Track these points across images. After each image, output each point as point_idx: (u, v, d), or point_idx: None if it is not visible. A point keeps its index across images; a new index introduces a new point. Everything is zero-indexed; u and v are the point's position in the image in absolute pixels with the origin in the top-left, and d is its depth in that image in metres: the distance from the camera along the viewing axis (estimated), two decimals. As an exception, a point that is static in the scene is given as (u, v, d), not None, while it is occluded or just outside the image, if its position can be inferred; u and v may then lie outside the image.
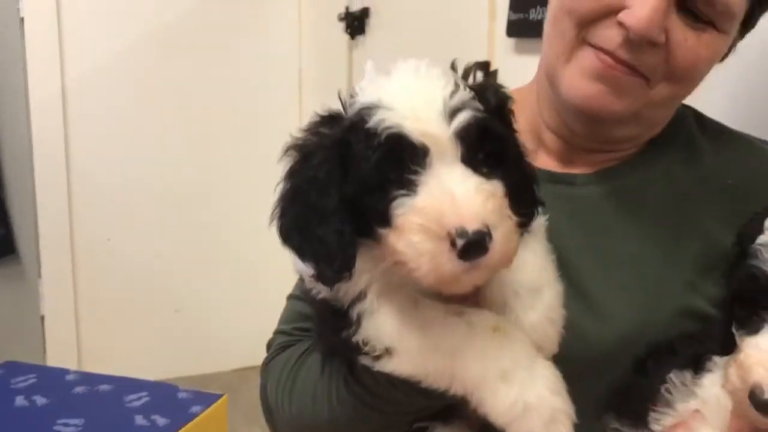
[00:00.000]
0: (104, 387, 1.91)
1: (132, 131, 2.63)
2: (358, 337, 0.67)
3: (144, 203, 2.69)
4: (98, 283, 2.67)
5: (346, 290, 0.67)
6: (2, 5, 2.47)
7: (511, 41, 1.58)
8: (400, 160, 0.59)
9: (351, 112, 0.63)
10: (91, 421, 1.72)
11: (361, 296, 0.66)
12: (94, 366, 2.68)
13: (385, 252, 0.62)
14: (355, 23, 2.34)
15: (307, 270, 0.66)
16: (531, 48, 1.47)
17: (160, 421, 1.73)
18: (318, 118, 0.65)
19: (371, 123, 0.60)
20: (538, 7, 1.43)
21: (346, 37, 2.42)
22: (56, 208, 2.58)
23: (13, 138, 2.57)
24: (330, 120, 0.64)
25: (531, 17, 1.45)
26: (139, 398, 1.84)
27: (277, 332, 0.94)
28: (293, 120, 2.84)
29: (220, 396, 1.89)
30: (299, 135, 0.65)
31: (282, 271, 3.00)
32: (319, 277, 0.65)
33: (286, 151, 0.65)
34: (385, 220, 0.60)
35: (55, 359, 2.62)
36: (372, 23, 2.31)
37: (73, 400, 1.84)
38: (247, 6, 2.73)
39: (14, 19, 2.49)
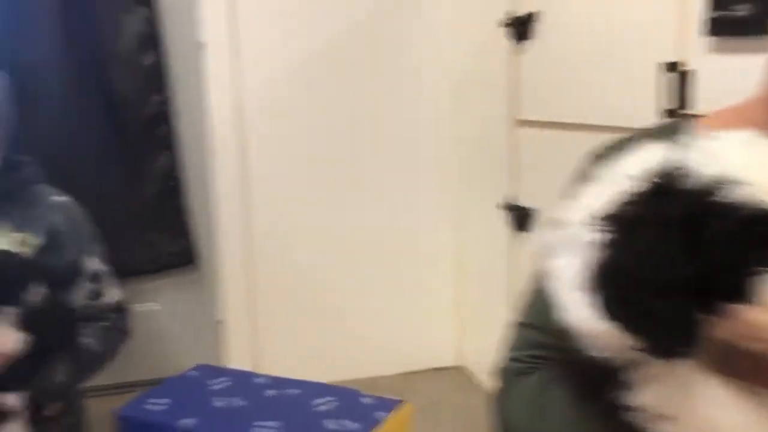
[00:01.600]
0: (292, 391, 2.00)
1: (305, 143, 2.75)
2: (630, 401, 0.66)
3: (317, 209, 2.80)
4: (273, 288, 2.81)
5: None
6: (184, 33, 2.67)
7: (710, 40, 1.51)
8: (762, 236, 0.57)
9: (692, 184, 0.61)
10: (287, 425, 1.80)
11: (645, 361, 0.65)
12: (269, 369, 2.82)
13: (730, 328, 0.61)
14: (521, 28, 2.32)
15: (595, 327, 0.65)
16: (736, 47, 1.40)
17: (351, 426, 1.79)
18: (642, 188, 0.63)
19: (728, 198, 0.59)
20: (745, 3, 1.36)
21: (509, 42, 2.41)
22: (234, 217, 2.73)
23: (193, 153, 2.77)
24: (661, 191, 0.63)
25: (737, 14, 1.38)
26: (327, 402, 1.91)
27: (511, 359, 0.95)
28: (449, 128, 2.87)
29: (398, 401, 1.93)
30: (621, 205, 0.63)
31: (444, 278, 3.01)
32: (652, 350, 0.62)
33: (603, 220, 0.63)
34: (739, 295, 0.59)
35: (232, 363, 2.79)
36: (539, 28, 2.28)
37: (266, 403, 1.94)
38: (405, 13, 2.78)
39: (194, 44, 2.68)
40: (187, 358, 2.82)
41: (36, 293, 1.56)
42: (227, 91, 2.66)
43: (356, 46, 2.74)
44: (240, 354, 2.80)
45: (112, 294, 1.87)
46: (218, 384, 2.06)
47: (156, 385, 2.43)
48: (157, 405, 1.93)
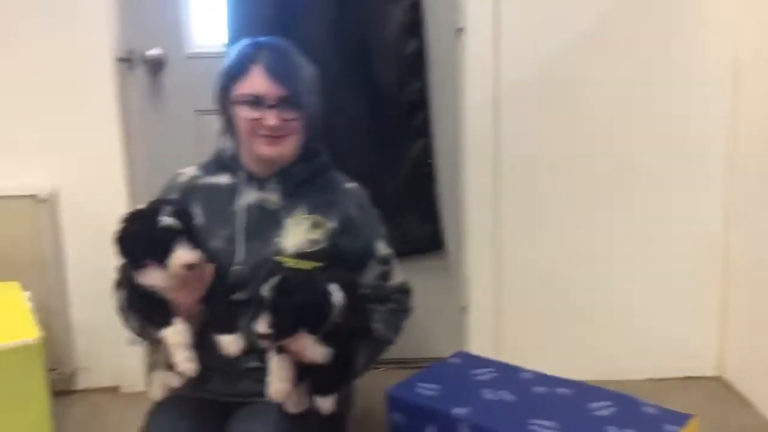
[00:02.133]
0: (563, 390, 1.95)
1: (560, 132, 2.66)
2: None
3: (569, 201, 2.71)
4: (520, 278, 2.76)
5: None
6: (443, 19, 2.67)
7: None
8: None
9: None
10: (566, 427, 1.75)
11: None
12: (509, 358, 2.78)
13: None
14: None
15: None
16: None
17: (638, 436, 1.70)
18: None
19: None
20: None
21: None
22: (482, 205, 2.71)
23: (446, 140, 2.78)
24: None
25: None
26: (605, 407, 1.83)
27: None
28: (725, 114, 2.62)
29: (688, 416, 1.79)
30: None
31: (709, 278, 2.79)
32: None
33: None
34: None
35: (473, 350, 2.79)
36: None
37: (537, 400, 1.89)
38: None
39: (453, 31, 2.67)
40: (431, 341, 2.87)
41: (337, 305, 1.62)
42: (484, 78, 2.62)
43: (625, 28, 2.58)
44: (482, 341, 2.79)
45: (398, 275, 1.93)
46: (483, 374, 2.05)
47: (398, 365, 2.51)
48: (427, 389, 1.96)
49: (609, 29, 2.58)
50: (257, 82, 1.78)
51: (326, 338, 1.59)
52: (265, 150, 1.83)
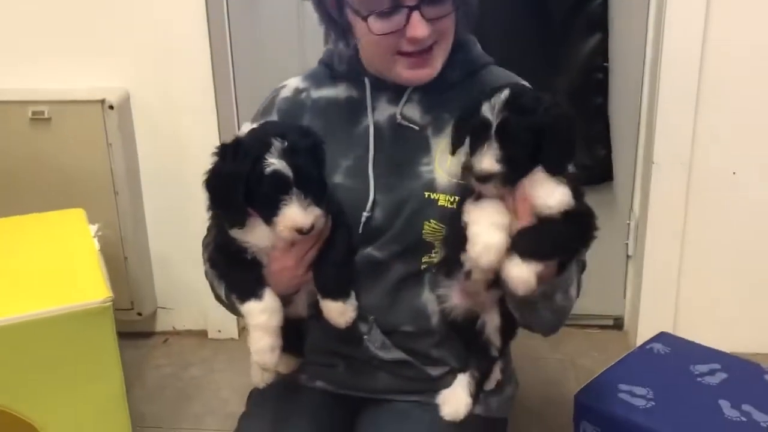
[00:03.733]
0: None
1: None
2: None
3: None
4: (711, 225, 2.13)
5: None
6: None
7: None
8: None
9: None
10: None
11: None
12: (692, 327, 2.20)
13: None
14: None
15: None
16: None
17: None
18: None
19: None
20: None
21: None
22: (677, 127, 2.05)
23: (629, 35, 2.09)
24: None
25: None
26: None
27: None
28: None
29: None
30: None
31: None
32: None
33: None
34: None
35: (644, 309, 2.21)
36: None
37: None
38: None
39: None
40: (589, 293, 2.29)
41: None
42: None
43: None
44: (654, 300, 2.20)
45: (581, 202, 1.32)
46: (708, 373, 1.47)
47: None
48: (635, 396, 1.40)
49: None
50: None
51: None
52: (408, 74, 1.23)
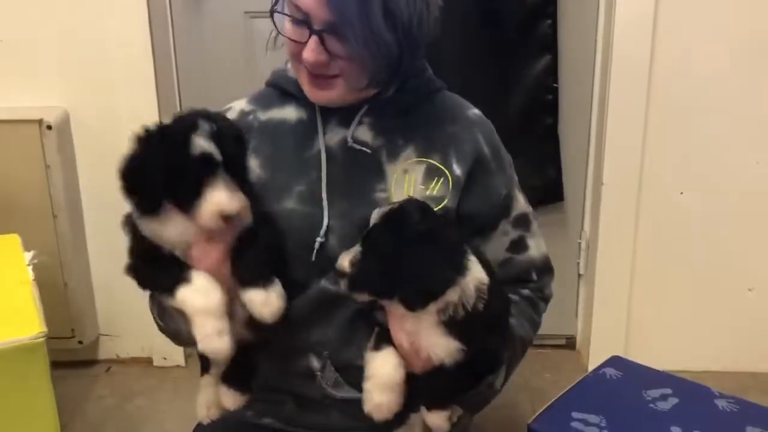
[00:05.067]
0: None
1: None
2: None
3: (729, 150, 2.07)
4: (660, 244, 2.15)
5: None
6: None
7: None
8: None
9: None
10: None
11: None
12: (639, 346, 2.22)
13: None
14: None
15: None
16: None
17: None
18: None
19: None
20: None
21: None
22: (626, 145, 2.07)
23: (577, 55, 2.11)
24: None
25: None
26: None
27: None
28: None
29: None
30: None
31: None
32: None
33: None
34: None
35: (595, 329, 2.22)
36: None
37: None
38: None
39: None
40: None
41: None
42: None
43: None
44: (606, 319, 2.21)
45: (536, 244, 1.29)
46: (661, 399, 1.46)
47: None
48: (589, 424, 1.38)
49: None
50: None
51: (450, 326, 0.99)
52: (308, 89, 1.19)
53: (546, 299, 1.33)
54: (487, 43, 2.07)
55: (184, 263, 1.06)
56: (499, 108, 2.09)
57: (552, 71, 2.09)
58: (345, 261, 1.01)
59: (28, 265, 1.68)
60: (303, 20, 1.10)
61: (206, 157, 1.00)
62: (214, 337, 1.02)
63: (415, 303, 0.97)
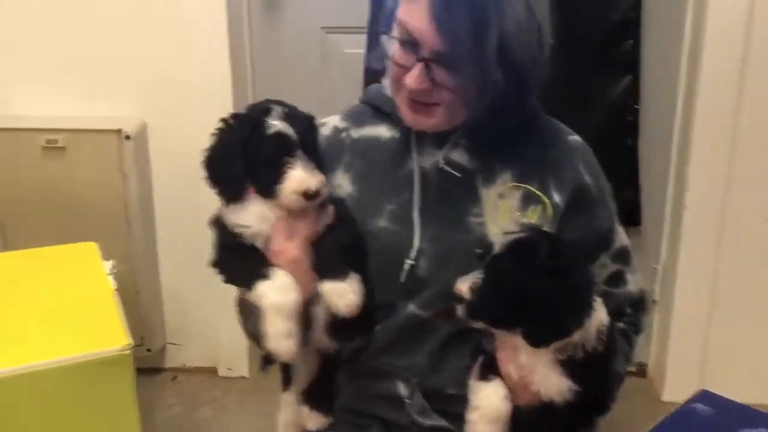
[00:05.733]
0: None
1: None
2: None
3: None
4: (742, 271, 2.07)
5: None
6: None
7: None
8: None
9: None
10: None
11: None
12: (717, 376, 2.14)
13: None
14: None
15: None
16: None
17: None
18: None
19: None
20: None
21: None
22: (710, 169, 2.00)
23: (660, 77, 2.05)
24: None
25: None
26: None
27: None
28: None
29: None
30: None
31: None
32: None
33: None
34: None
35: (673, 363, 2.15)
36: None
37: None
38: None
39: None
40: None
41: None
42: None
43: None
44: (684, 352, 2.13)
45: (633, 278, 1.25)
46: (757, 438, 1.40)
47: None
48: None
49: None
50: (416, 15, 1.08)
51: (567, 365, 0.97)
52: (404, 113, 1.16)
53: (639, 333, 1.29)
54: (566, 61, 2.03)
55: (266, 258, 1.06)
56: (576, 127, 2.02)
57: (633, 91, 2.04)
58: (464, 286, 0.99)
59: (109, 274, 1.71)
60: (411, 45, 1.09)
61: (281, 136, 1.02)
62: (282, 336, 1.02)
63: (540, 341, 0.95)
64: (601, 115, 2.06)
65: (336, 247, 1.07)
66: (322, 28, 2.15)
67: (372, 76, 2.01)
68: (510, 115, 1.20)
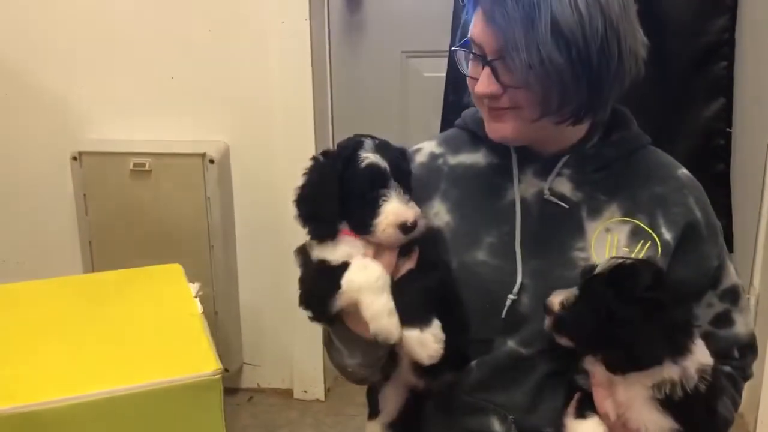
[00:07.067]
0: None
1: None
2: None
3: None
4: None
5: None
6: None
7: None
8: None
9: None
10: None
11: None
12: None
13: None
14: None
15: None
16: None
17: None
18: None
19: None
20: None
21: None
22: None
23: (754, 100, 1.97)
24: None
25: None
26: None
27: None
28: None
29: None
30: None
31: None
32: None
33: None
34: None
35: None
36: None
37: None
38: None
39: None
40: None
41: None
42: None
43: None
44: None
45: (742, 320, 1.19)
46: None
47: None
48: None
49: None
50: (477, 24, 1.05)
51: (666, 404, 0.94)
52: (486, 125, 1.13)
53: (747, 379, 1.22)
54: (656, 83, 1.98)
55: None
56: (666, 151, 1.98)
57: (725, 115, 1.97)
58: (556, 300, 1.00)
59: (195, 297, 1.73)
60: (478, 54, 1.07)
61: (375, 168, 1.00)
62: (384, 315, 0.99)
63: (616, 367, 0.94)
64: (692, 139, 1.99)
65: (420, 290, 1.04)
66: (403, 52, 2.15)
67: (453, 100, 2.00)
68: (614, 139, 1.16)
